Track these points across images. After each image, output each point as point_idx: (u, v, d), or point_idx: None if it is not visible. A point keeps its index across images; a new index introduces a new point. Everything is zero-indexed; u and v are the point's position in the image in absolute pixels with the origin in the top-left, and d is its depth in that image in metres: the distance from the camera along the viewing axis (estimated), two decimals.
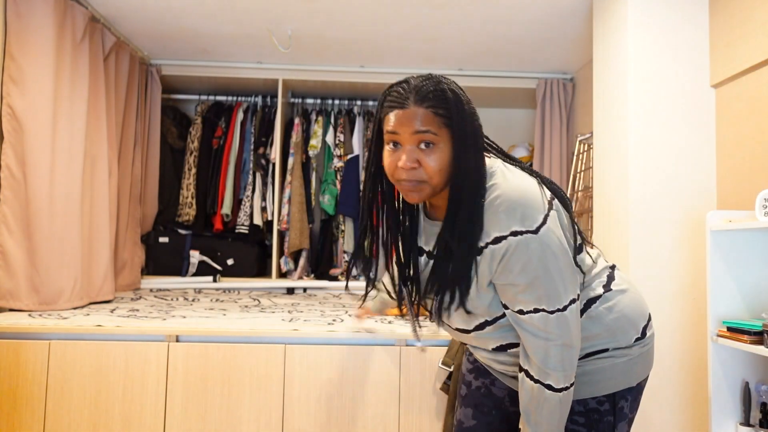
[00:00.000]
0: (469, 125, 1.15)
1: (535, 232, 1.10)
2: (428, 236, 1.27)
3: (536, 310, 1.13)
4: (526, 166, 1.23)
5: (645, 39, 2.35)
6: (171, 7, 2.89)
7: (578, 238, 1.24)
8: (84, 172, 2.72)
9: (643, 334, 1.27)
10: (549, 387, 1.15)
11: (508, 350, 1.26)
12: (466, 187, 1.13)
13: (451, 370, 2.03)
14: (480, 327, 1.24)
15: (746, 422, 1.92)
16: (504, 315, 1.21)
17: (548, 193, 1.16)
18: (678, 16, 2.36)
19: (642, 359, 1.27)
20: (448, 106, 1.12)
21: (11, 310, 2.46)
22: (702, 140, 2.34)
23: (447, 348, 2.12)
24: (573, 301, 1.14)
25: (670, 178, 2.32)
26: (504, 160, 1.23)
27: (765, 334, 1.73)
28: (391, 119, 1.14)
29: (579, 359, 1.22)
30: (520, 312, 1.15)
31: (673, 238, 2.30)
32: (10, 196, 2.43)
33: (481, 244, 1.13)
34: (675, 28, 2.36)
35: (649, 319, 1.30)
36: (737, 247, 1.96)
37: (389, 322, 2.42)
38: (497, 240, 1.11)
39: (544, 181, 1.20)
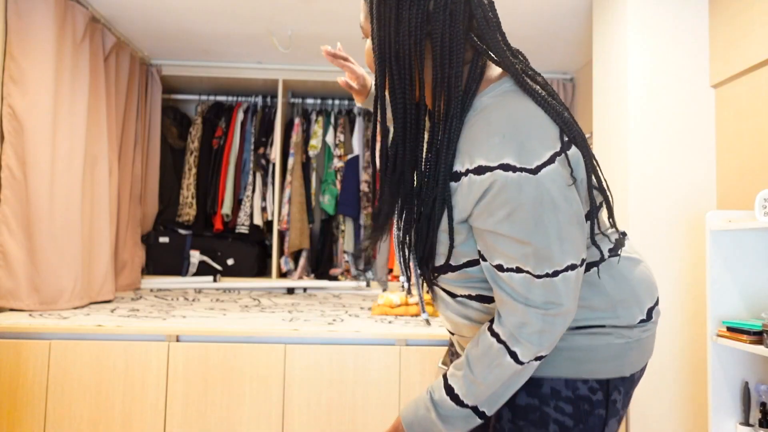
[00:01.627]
0: (382, 10, 0.96)
1: (534, 171, 0.86)
2: None
3: (519, 270, 0.90)
4: (551, 98, 0.95)
5: (645, 39, 2.35)
6: (171, 7, 2.89)
7: (605, 195, 0.99)
8: (84, 172, 2.72)
9: (649, 316, 1.05)
10: (513, 355, 0.93)
11: (479, 303, 1.03)
12: (392, 89, 0.96)
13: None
14: (440, 270, 1.02)
15: (746, 422, 1.92)
16: (475, 263, 0.98)
17: (565, 134, 0.92)
18: (678, 16, 2.36)
19: (640, 346, 1.05)
20: None
21: (12, 310, 2.46)
22: (702, 140, 2.34)
23: (447, 348, 2.12)
24: (571, 268, 0.90)
25: (670, 178, 2.32)
26: (522, 76, 0.96)
27: (764, 334, 1.73)
28: None
29: (570, 329, 1.01)
30: (499, 267, 0.92)
31: (672, 238, 2.30)
32: (10, 196, 2.43)
33: (459, 168, 0.92)
34: (675, 28, 2.36)
35: (657, 303, 1.09)
36: (737, 247, 1.96)
37: (389, 322, 2.43)
38: (481, 170, 0.88)
39: (564, 123, 0.92)
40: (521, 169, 0.86)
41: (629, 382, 1.06)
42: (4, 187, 2.43)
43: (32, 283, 2.50)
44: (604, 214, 1.08)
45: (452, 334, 1.16)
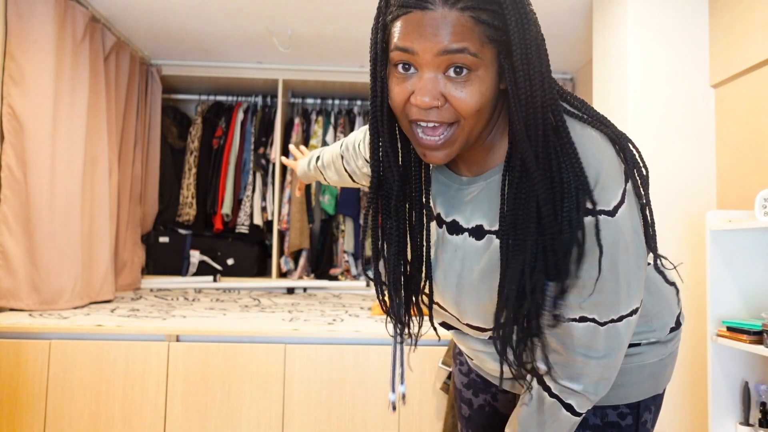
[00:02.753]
0: (533, 39, 0.74)
1: (612, 213, 0.76)
2: (453, 201, 0.90)
3: (583, 319, 0.81)
4: (591, 112, 0.84)
5: (645, 39, 2.35)
6: (171, 7, 2.89)
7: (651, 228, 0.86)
8: (84, 172, 2.72)
9: (678, 323, 0.98)
10: (569, 407, 0.85)
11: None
12: (534, 136, 0.75)
13: (451, 369, 2.03)
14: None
15: (746, 422, 1.92)
16: None
17: (622, 160, 0.80)
18: (678, 16, 2.36)
19: (672, 359, 0.98)
20: (498, 9, 0.73)
21: (12, 309, 2.46)
22: (702, 140, 2.34)
23: (447, 348, 2.12)
24: (633, 312, 0.82)
25: (670, 178, 2.32)
26: (565, 102, 0.84)
27: (764, 334, 1.73)
28: (402, 29, 0.74)
29: None
30: (558, 317, 0.83)
31: (672, 238, 2.30)
32: (10, 195, 2.43)
33: None
34: (675, 28, 2.36)
35: (681, 307, 1.02)
36: (737, 247, 1.96)
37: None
38: None
39: (618, 138, 0.81)
40: (600, 212, 0.76)
41: (660, 398, 0.99)
42: (4, 187, 2.43)
43: (32, 283, 2.50)
44: None
45: (450, 328, 1.08)
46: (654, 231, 0.84)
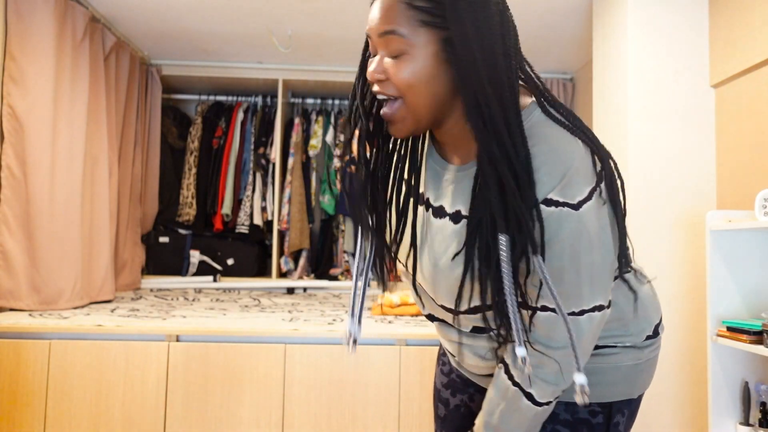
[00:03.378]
0: (475, 24, 0.80)
1: (576, 207, 0.81)
2: (442, 187, 0.95)
3: (544, 308, 0.86)
4: (575, 122, 0.88)
5: (645, 39, 2.35)
6: (171, 7, 2.89)
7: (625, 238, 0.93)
8: (84, 172, 2.72)
9: (655, 332, 1.01)
10: (529, 396, 0.89)
11: (491, 333, 0.95)
12: (485, 130, 0.81)
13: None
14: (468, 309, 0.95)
15: (746, 422, 1.92)
16: None
17: (598, 164, 0.87)
18: (678, 16, 2.36)
19: (649, 366, 1.01)
20: None
21: (11, 309, 2.46)
22: (702, 140, 2.34)
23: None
24: (598, 309, 0.86)
25: (669, 178, 2.32)
26: (544, 102, 0.89)
27: (764, 334, 1.73)
28: (370, 14, 0.86)
29: None
30: (522, 305, 0.88)
31: (672, 238, 2.30)
32: (10, 195, 2.43)
33: None
34: (675, 28, 2.36)
35: (661, 319, 1.05)
36: (737, 247, 1.96)
37: (389, 322, 2.43)
38: None
39: (596, 146, 0.87)
40: (564, 204, 0.81)
41: (636, 403, 1.01)
42: (4, 186, 2.43)
43: (32, 283, 2.50)
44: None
45: (434, 320, 1.10)
46: (627, 246, 0.91)
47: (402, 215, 0.98)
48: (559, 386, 0.89)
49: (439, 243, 0.93)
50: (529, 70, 0.90)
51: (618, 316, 0.96)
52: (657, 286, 2.27)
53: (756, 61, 2.06)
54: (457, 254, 0.89)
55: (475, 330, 0.98)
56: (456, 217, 0.91)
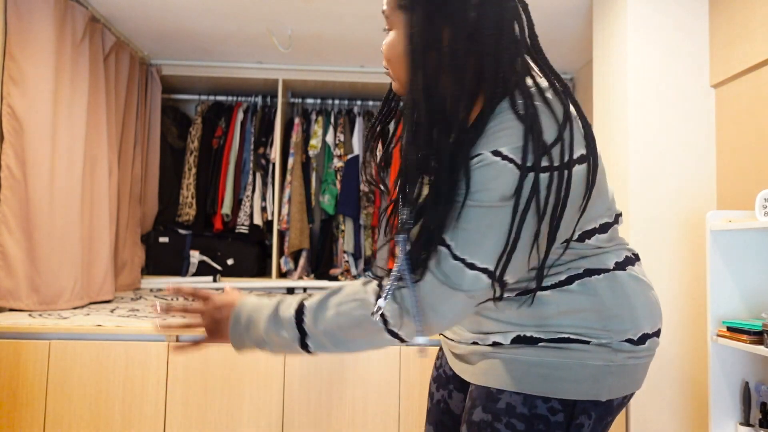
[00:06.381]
0: (424, 14, 0.88)
1: (521, 167, 0.83)
2: None
3: (442, 242, 0.86)
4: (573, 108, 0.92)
5: (645, 39, 2.35)
6: (171, 7, 2.89)
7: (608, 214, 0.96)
8: (84, 172, 2.72)
9: (640, 341, 0.95)
10: (382, 316, 0.88)
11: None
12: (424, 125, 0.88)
13: None
14: None
15: (746, 422, 1.92)
16: None
17: (581, 148, 0.89)
18: (678, 16, 2.36)
19: (622, 372, 0.94)
20: None
21: (11, 309, 2.46)
22: (702, 140, 2.34)
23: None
24: (487, 273, 0.85)
25: (670, 178, 2.32)
26: (541, 92, 0.90)
27: (765, 334, 1.73)
28: None
29: (545, 340, 0.93)
30: (425, 225, 0.89)
31: (673, 238, 2.30)
32: (10, 195, 2.43)
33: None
34: (675, 28, 2.36)
35: (657, 334, 0.99)
36: (737, 247, 1.96)
37: None
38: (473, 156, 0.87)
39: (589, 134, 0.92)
40: (510, 160, 0.83)
41: (605, 408, 0.95)
42: (3, 187, 2.43)
43: (32, 283, 2.49)
44: (619, 228, 1.02)
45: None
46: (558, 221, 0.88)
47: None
48: (415, 320, 0.87)
49: None
50: (519, 68, 0.91)
51: (596, 308, 0.93)
52: (657, 287, 2.27)
53: (756, 61, 2.06)
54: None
55: None
56: None
